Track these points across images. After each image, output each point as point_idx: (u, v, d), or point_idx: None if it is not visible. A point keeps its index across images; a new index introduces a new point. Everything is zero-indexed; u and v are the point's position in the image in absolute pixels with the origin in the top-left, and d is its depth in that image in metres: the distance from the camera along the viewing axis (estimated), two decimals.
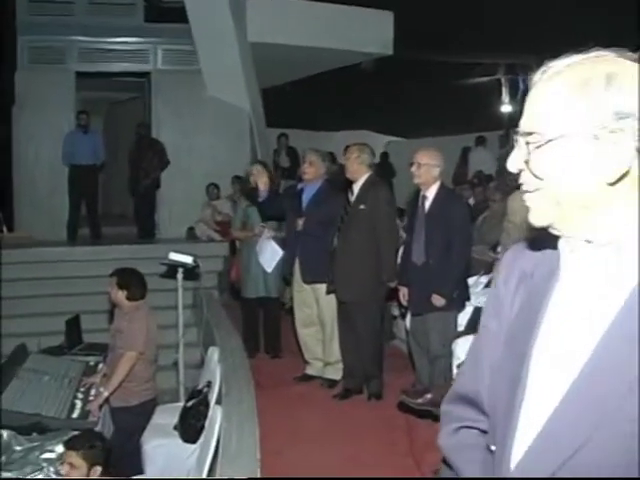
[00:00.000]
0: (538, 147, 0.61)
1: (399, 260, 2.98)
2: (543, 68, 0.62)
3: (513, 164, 0.64)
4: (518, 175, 0.63)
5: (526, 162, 0.63)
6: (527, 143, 0.62)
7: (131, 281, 2.81)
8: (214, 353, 2.80)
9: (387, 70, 6.63)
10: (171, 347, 3.41)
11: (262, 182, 3.32)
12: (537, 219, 0.63)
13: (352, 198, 3.03)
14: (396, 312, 3.71)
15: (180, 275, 3.32)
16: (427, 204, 2.74)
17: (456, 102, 7.21)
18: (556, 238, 0.64)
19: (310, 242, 3.18)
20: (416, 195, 2.84)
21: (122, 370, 2.64)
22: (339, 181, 3.42)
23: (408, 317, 2.97)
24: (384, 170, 6.71)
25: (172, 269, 3.36)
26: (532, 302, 0.63)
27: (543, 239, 0.65)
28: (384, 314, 3.21)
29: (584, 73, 0.59)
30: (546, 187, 0.61)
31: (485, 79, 7.52)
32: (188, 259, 3.25)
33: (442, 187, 2.72)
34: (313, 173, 3.28)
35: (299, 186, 3.35)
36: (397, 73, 7.10)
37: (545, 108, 0.61)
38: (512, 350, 0.61)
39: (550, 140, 0.60)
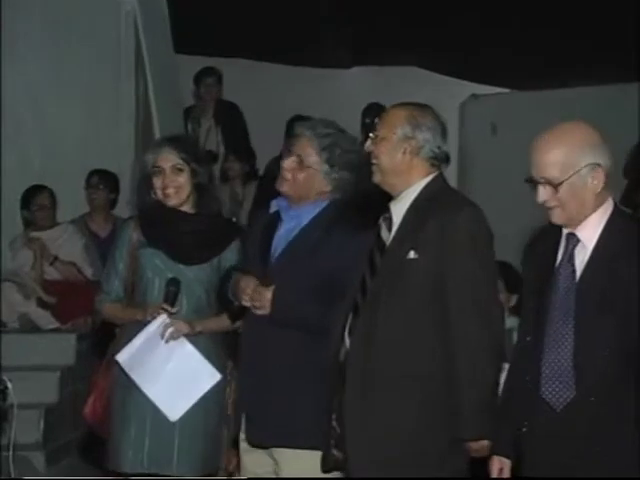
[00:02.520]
0: None
1: (499, 394, 3.14)
2: None
3: None
4: None
5: None
6: None
7: None
8: None
9: None
10: None
11: (178, 195, 3.78)
12: None
13: (389, 235, 3.21)
14: None
15: None
16: (580, 258, 2.84)
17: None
18: None
19: (281, 346, 3.41)
20: (549, 236, 2.95)
21: None
22: (362, 197, 3.58)
23: None
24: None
25: None
26: None
27: None
28: None
29: None
30: None
31: None
32: None
33: (616, 215, 2.87)
34: (305, 183, 3.52)
35: (273, 206, 3.66)
36: None
37: None
38: None
39: None
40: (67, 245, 6.12)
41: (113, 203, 6.36)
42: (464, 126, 8.33)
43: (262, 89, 8.15)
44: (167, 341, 3.71)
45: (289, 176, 3.47)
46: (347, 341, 3.11)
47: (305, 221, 3.49)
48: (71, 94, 6.69)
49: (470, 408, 2.98)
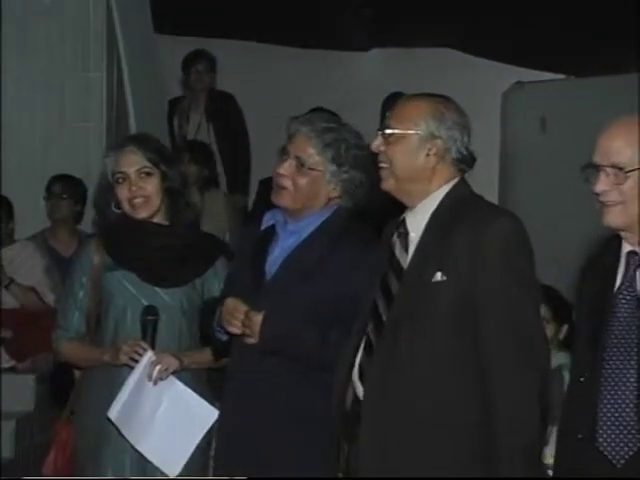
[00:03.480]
0: None
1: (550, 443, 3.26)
2: None
3: None
4: None
5: None
6: None
7: None
8: None
9: None
10: None
11: (148, 206, 3.83)
12: None
13: (405, 254, 3.23)
14: None
15: None
16: None
17: None
18: None
19: (274, 385, 3.48)
20: (608, 253, 3.06)
21: None
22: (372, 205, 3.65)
23: None
24: None
25: None
26: None
27: None
28: None
29: None
30: None
31: None
32: None
33: None
34: (309, 190, 3.59)
35: (266, 219, 3.73)
36: None
37: None
38: None
39: None
40: (25, 266, 6.15)
41: (79, 216, 6.35)
42: (507, 120, 8.39)
43: (262, 76, 8.21)
44: (156, 382, 3.74)
45: (288, 184, 3.51)
46: (357, 385, 3.10)
47: (302, 238, 3.54)
48: (30, 83, 6.77)
49: (512, 461, 2.96)
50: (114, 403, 3.76)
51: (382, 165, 3.17)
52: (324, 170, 3.51)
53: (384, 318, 3.10)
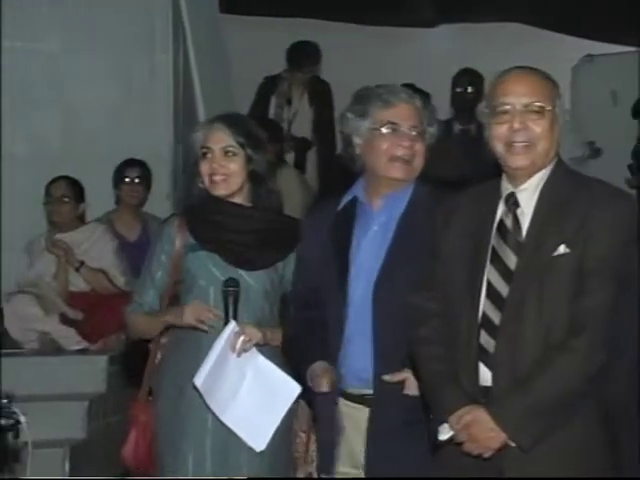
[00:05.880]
0: None
1: None
2: None
3: None
4: None
5: None
6: None
7: None
8: None
9: None
10: None
11: (227, 184, 3.84)
12: None
13: (519, 230, 3.19)
14: None
15: None
16: None
17: None
18: None
19: None
20: None
21: None
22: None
23: None
24: None
25: None
26: None
27: None
28: None
29: None
30: None
31: None
32: None
33: None
34: (423, 156, 3.62)
35: (344, 201, 3.74)
36: None
37: None
38: None
39: None
40: (95, 249, 6.14)
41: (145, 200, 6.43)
42: (577, 94, 8.34)
43: (334, 54, 8.14)
44: (239, 354, 3.76)
45: (417, 148, 3.53)
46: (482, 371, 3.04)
47: (399, 210, 3.53)
48: (96, 67, 6.79)
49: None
50: (199, 371, 3.79)
51: (518, 140, 3.08)
52: (425, 132, 3.57)
53: (504, 295, 3.08)
